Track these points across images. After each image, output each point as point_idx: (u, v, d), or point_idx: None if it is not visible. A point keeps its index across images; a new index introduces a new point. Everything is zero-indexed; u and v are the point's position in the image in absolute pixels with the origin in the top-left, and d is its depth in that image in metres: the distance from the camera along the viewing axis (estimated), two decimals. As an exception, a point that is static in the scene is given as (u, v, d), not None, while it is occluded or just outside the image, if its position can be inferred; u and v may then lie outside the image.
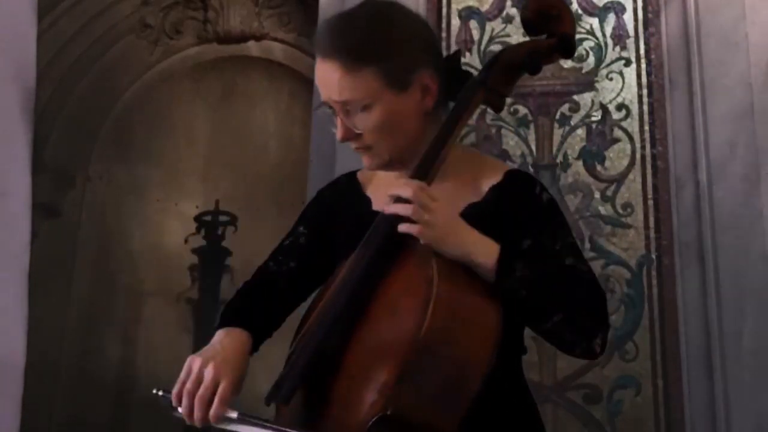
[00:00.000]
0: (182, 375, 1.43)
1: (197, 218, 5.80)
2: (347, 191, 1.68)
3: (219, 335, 1.51)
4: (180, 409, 1.43)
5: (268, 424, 1.35)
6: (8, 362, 2.71)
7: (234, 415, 1.39)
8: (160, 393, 1.45)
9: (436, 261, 1.35)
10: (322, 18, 3.60)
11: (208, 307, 5.47)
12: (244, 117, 6.00)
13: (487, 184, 1.56)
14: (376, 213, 1.56)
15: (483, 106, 1.61)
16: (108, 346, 5.54)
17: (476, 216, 1.49)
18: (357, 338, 1.37)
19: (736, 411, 2.85)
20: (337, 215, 1.65)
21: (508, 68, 1.56)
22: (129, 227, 5.80)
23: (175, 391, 1.43)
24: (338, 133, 1.55)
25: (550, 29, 1.59)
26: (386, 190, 1.57)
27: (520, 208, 1.53)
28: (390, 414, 1.28)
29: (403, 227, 1.39)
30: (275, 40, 5.79)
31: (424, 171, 1.48)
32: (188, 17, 5.87)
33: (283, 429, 1.34)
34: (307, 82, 4.95)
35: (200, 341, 4.78)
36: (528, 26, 1.60)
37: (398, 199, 1.41)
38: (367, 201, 1.63)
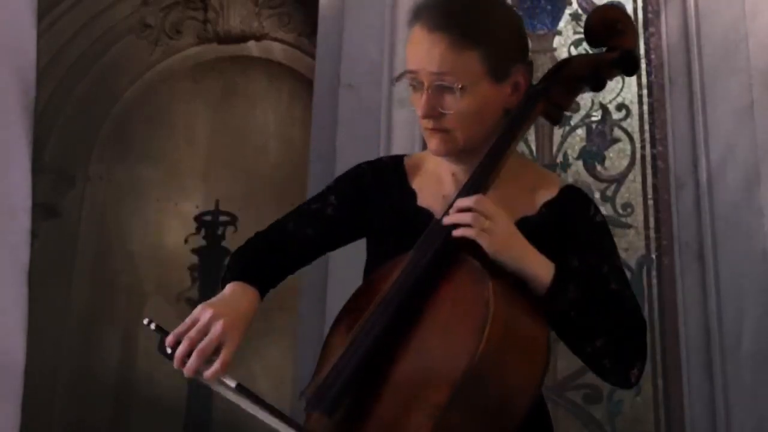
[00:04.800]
0: (188, 320, 1.40)
1: (197, 218, 5.80)
2: (391, 177, 1.62)
3: (234, 289, 1.48)
4: (171, 351, 1.37)
5: (264, 404, 1.32)
6: (8, 362, 2.71)
7: (232, 384, 1.35)
8: (152, 326, 1.40)
9: (492, 282, 1.31)
10: (322, 18, 3.61)
11: (208, 307, 5.47)
12: (244, 117, 6.00)
13: (541, 199, 1.54)
14: (421, 209, 1.55)
15: None
16: (108, 346, 5.54)
17: (528, 230, 1.46)
18: (405, 354, 1.33)
19: (736, 411, 2.85)
20: (376, 199, 1.61)
21: (570, 81, 1.53)
22: (129, 227, 5.80)
23: (175, 331, 1.39)
24: (421, 108, 1.49)
25: (613, 43, 1.54)
26: (434, 187, 1.56)
27: (573, 226, 1.51)
28: None
29: (459, 231, 1.37)
30: (275, 40, 5.79)
31: (481, 181, 1.44)
32: (188, 17, 5.87)
33: (280, 412, 1.31)
34: (307, 82, 4.95)
35: (200, 341, 4.76)
36: (590, 37, 1.56)
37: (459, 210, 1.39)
38: (412, 194, 1.59)
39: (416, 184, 1.60)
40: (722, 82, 3.13)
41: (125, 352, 5.56)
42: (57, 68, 5.47)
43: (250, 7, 5.77)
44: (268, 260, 1.56)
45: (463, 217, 1.37)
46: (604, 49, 1.56)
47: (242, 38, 5.80)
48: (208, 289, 5.64)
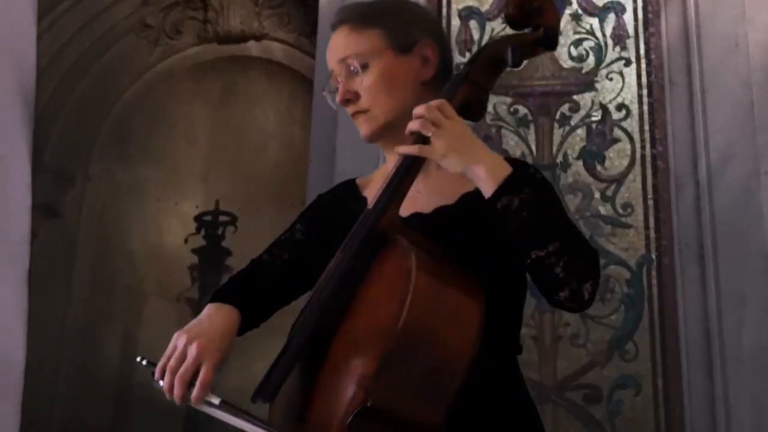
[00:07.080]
0: (168, 350, 1.44)
1: (197, 218, 5.81)
2: (344, 195, 1.70)
3: (209, 309, 1.52)
4: (161, 383, 1.43)
5: (249, 417, 1.36)
6: (8, 361, 2.71)
7: (216, 401, 1.38)
8: (144, 362, 1.47)
9: (415, 253, 1.34)
10: (322, 18, 3.61)
11: (208, 307, 5.47)
12: (244, 117, 6.01)
13: None
14: None
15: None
16: (108, 346, 5.54)
17: (471, 205, 1.50)
18: (340, 333, 1.37)
19: (736, 411, 2.85)
20: (333, 217, 1.66)
21: (490, 63, 1.56)
22: (129, 227, 5.80)
23: (159, 365, 1.44)
24: (338, 95, 1.60)
25: (534, 22, 1.58)
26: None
27: None
28: (370, 406, 1.27)
29: (401, 149, 1.43)
30: (275, 40, 5.80)
31: (409, 164, 1.47)
32: (188, 17, 5.87)
33: (262, 424, 1.35)
34: (307, 82, 4.96)
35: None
36: (511, 22, 1.60)
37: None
38: (363, 201, 1.64)
39: (367, 193, 1.67)
40: (722, 82, 3.13)
41: (125, 352, 5.56)
42: (57, 68, 5.47)
43: (250, 7, 5.77)
44: (247, 288, 1.61)
45: (414, 125, 1.43)
46: (528, 30, 1.59)
47: (242, 38, 5.81)
48: (207, 289, 5.64)
